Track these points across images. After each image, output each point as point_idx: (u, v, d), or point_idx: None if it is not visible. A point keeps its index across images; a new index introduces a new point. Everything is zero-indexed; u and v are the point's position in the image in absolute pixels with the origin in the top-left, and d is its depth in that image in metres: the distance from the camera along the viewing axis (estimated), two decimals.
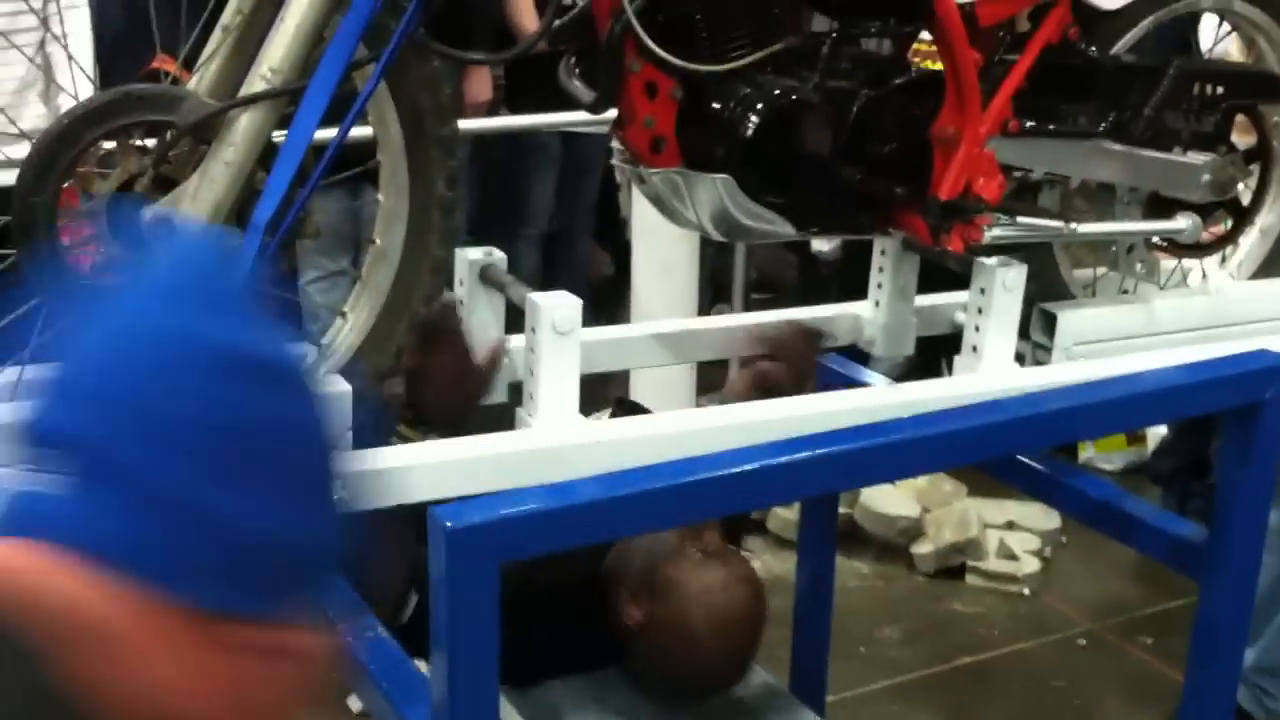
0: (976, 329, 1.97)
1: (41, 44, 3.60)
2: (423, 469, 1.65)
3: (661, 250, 3.75)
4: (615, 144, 1.89)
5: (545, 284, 6.22)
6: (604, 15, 1.71)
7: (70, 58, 2.86)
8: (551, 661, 1.97)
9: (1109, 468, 4.63)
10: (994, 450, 1.89)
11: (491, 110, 5.01)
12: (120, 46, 3.52)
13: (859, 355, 2.35)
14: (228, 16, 1.69)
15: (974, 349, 1.97)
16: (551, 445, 1.69)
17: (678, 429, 1.77)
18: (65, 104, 3.88)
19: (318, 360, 1.75)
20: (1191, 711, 2.12)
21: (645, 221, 3.77)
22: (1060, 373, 1.99)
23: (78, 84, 3.82)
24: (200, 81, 1.67)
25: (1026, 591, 3.99)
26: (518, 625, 1.88)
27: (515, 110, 4.67)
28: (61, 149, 1.51)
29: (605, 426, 1.79)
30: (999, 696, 3.51)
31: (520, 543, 1.47)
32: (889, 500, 4.12)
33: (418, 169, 1.70)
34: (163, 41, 1.76)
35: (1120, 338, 2.09)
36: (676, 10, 1.70)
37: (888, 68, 1.87)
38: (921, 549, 4.07)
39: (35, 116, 3.97)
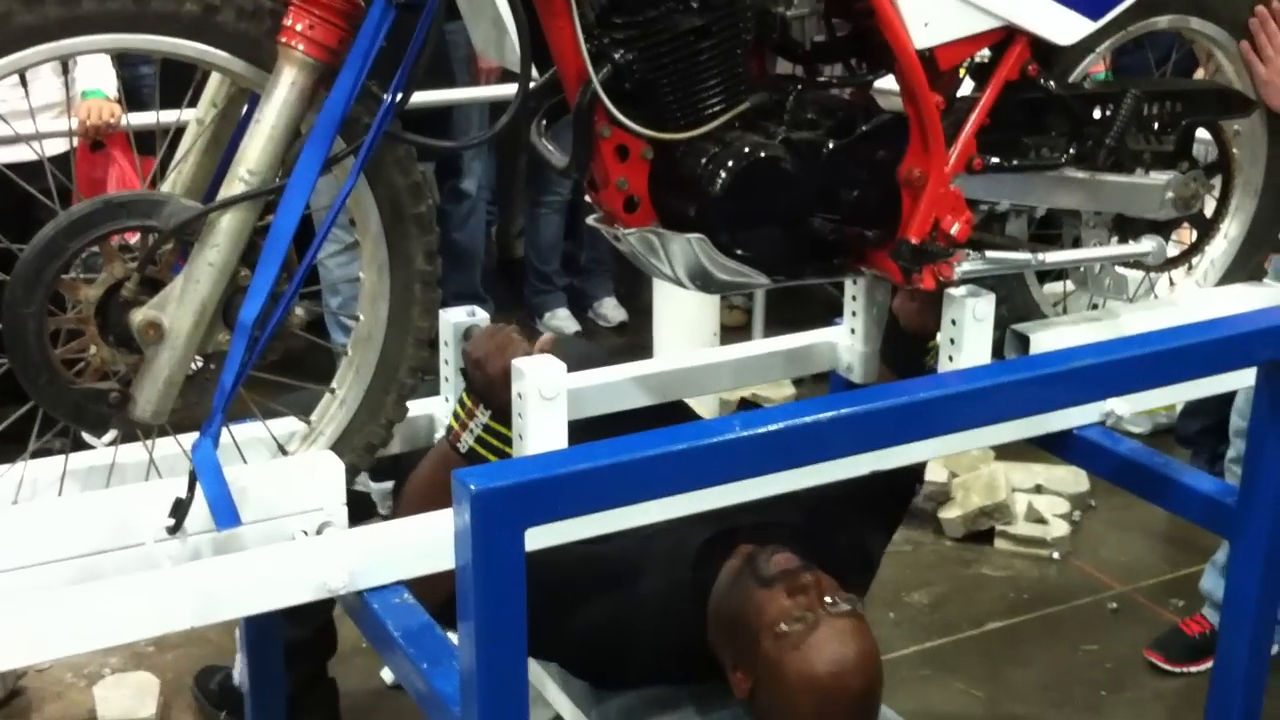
0: (950, 359, 2.01)
1: None
2: (410, 546, 1.69)
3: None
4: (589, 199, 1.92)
5: (568, 253, 6.20)
6: (572, 83, 1.74)
7: None
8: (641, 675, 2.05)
9: (1137, 430, 4.60)
10: (1025, 410, 1.89)
11: (511, 76, 4.97)
12: None
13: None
14: (201, 110, 1.72)
15: None
16: None
17: None
18: (81, 74, 3.82)
19: (308, 435, 1.79)
20: (1227, 667, 2.15)
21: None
22: None
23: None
24: (177, 180, 1.70)
25: (1056, 555, 4.02)
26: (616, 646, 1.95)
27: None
28: (47, 261, 1.53)
29: None
30: (1029, 660, 3.54)
31: (547, 506, 1.47)
32: None
33: (397, 248, 1.73)
34: None
35: None
36: (643, 76, 1.73)
37: (852, 114, 1.90)
38: (949, 514, 4.10)
39: (51, 89, 3.92)
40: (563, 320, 5.68)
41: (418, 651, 1.62)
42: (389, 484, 2.41)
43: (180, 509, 1.57)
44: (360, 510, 2.38)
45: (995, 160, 1.94)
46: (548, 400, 1.74)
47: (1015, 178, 1.99)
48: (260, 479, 1.67)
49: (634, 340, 5.42)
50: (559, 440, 1.75)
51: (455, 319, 1.96)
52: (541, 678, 2.21)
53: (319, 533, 1.70)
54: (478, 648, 1.44)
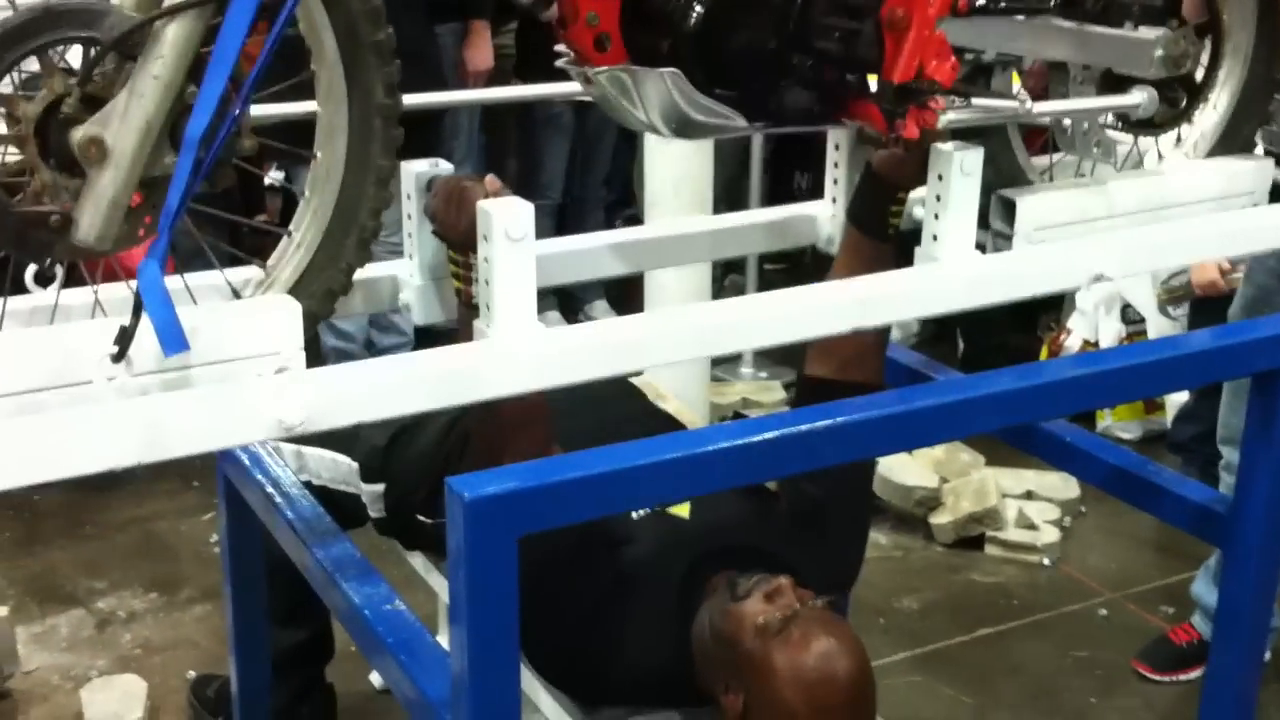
0: (936, 217, 1.94)
1: None
2: (381, 387, 1.61)
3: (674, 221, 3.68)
4: (561, 45, 1.84)
5: None
6: None
7: None
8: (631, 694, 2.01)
9: (1127, 437, 4.60)
10: (1019, 416, 1.91)
11: (500, 79, 4.93)
12: None
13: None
14: None
15: (934, 237, 1.94)
16: (510, 354, 1.66)
17: (633, 336, 1.75)
18: None
19: (264, 281, 1.71)
20: (1219, 677, 2.14)
21: (657, 192, 3.73)
22: (1023, 259, 1.98)
23: None
24: None
25: (1046, 561, 3.98)
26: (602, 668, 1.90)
27: (526, 80, 4.62)
28: None
29: (564, 333, 1.75)
30: (1020, 667, 3.49)
31: (539, 513, 1.49)
32: (906, 471, 4.11)
33: (355, 78, 1.64)
34: None
35: (1079, 221, 2.07)
36: None
37: None
38: (940, 519, 4.06)
39: None
40: (553, 323, 5.63)
41: (409, 658, 1.64)
42: (379, 486, 2.36)
43: (125, 336, 1.48)
44: (352, 514, 2.35)
45: (981, 3, 1.87)
46: (515, 241, 1.67)
47: (1002, 24, 1.93)
48: (212, 320, 1.57)
49: None
50: (528, 282, 1.68)
51: (418, 169, 1.88)
52: (533, 685, 2.12)
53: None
54: (469, 653, 1.44)
